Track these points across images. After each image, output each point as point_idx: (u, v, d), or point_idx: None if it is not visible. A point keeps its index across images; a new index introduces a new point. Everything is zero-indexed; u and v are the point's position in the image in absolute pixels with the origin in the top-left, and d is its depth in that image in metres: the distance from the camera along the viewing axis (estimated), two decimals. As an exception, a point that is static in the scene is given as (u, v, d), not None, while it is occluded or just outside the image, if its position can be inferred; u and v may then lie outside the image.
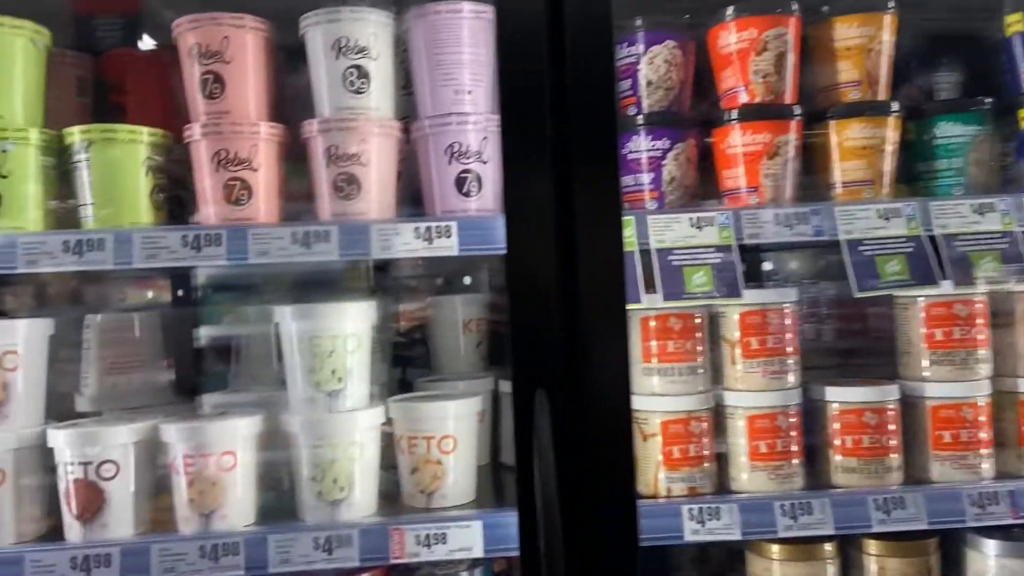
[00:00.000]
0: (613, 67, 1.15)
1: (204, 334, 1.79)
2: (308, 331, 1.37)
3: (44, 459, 1.33)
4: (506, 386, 1.66)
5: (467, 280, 2.05)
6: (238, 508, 1.33)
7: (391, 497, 1.42)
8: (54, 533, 1.33)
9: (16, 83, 1.34)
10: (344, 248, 1.33)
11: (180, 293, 1.86)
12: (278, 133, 1.40)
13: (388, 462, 1.44)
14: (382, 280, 1.92)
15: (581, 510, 1.11)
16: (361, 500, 1.36)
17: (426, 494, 1.40)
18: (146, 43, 1.64)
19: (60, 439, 1.30)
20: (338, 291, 1.74)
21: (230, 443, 1.33)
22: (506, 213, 1.17)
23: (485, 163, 1.41)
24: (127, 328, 1.56)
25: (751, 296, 1.38)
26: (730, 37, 1.45)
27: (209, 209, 1.38)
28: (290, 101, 1.48)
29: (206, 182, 1.37)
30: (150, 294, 2.02)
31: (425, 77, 1.41)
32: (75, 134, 1.34)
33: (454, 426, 1.41)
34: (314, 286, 1.66)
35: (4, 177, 1.32)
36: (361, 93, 1.39)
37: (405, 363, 1.86)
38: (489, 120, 1.41)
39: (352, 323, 1.39)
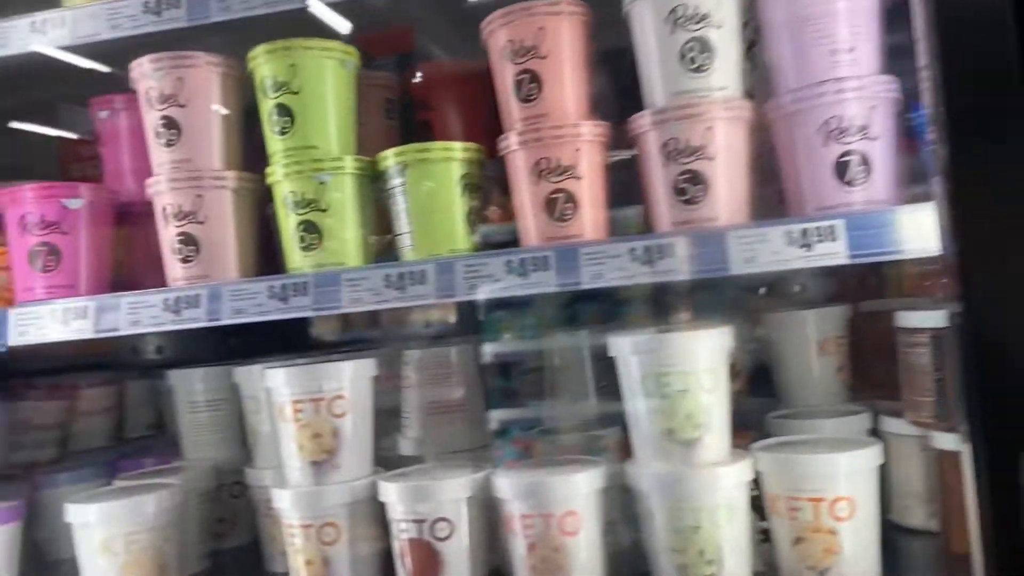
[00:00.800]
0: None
1: (488, 351, 1.65)
2: (653, 367, 1.13)
3: (376, 512, 1.22)
4: (890, 424, 1.30)
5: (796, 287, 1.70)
6: (586, 580, 1.13)
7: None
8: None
9: (329, 109, 1.25)
10: (694, 263, 1.08)
11: (476, 316, 1.75)
12: (602, 133, 1.19)
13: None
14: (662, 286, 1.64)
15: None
16: (734, 578, 1.10)
17: (817, 571, 1.09)
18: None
19: (392, 493, 1.18)
20: (619, 298, 1.50)
21: (572, 501, 1.13)
22: (952, 205, 0.83)
23: (873, 140, 1.08)
24: (444, 364, 1.44)
25: None
26: None
27: (529, 227, 1.19)
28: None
29: (525, 196, 1.19)
30: (451, 318, 1.94)
31: (786, 39, 1.11)
32: (389, 158, 1.22)
33: (849, 485, 1.09)
34: (590, 297, 1.47)
35: (323, 211, 1.24)
36: (703, 71, 1.13)
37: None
38: (877, 84, 1.07)
39: (707, 355, 1.13)
